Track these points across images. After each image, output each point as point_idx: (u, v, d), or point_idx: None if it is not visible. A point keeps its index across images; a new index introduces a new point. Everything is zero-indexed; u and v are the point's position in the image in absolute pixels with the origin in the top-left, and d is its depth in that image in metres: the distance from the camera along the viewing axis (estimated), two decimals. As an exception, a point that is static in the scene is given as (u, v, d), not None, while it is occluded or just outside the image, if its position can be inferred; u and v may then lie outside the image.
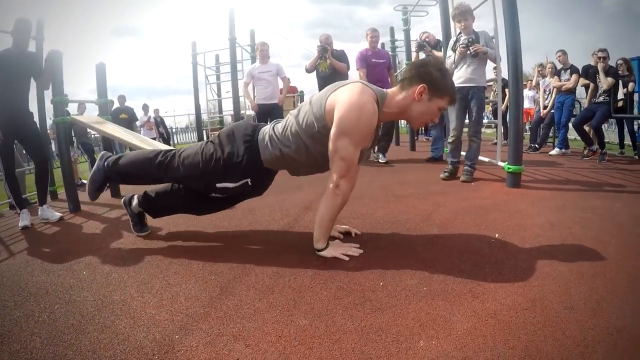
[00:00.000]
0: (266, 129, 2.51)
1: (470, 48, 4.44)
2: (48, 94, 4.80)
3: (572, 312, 1.68)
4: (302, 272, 2.21)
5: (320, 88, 6.95)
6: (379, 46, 7.01)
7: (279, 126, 2.46)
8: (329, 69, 6.58)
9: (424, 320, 1.67)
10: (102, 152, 3.05)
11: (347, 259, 2.33)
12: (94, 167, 2.95)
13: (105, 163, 2.90)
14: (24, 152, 5.07)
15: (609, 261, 2.18)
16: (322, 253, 2.39)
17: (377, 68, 6.56)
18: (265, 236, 2.90)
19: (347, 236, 2.76)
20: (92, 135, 8.56)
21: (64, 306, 2.02)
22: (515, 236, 2.63)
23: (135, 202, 3.04)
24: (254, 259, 2.46)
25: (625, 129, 7.82)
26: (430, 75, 2.25)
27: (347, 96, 2.20)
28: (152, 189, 2.99)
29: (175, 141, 20.93)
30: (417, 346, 1.51)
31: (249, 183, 2.52)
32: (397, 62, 10.74)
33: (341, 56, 6.64)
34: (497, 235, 2.66)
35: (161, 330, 1.70)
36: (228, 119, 14.57)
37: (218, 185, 2.53)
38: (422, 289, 1.95)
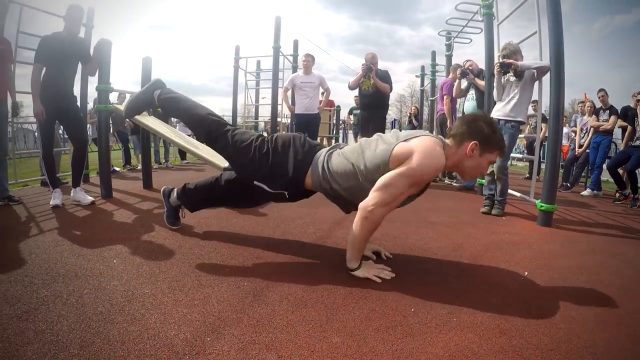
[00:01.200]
0: (320, 156, 2.54)
1: (502, 60, 4.43)
2: (90, 81, 4.92)
3: (595, 358, 1.66)
4: (335, 289, 2.19)
5: (362, 106, 7.01)
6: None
7: (335, 162, 2.47)
8: (372, 88, 6.58)
9: (452, 351, 1.65)
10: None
11: (379, 280, 2.32)
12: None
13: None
14: (60, 132, 5.17)
15: (634, 311, 2.14)
16: (355, 273, 2.38)
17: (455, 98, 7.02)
18: (297, 248, 2.89)
19: (377, 257, 2.74)
20: (128, 125, 8.66)
21: (93, 292, 2.03)
22: (544, 276, 2.59)
23: (174, 195, 3.12)
24: (286, 270, 2.46)
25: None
26: (481, 131, 2.35)
27: (424, 146, 2.24)
28: (192, 182, 3.06)
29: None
30: (446, 377, 1.47)
31: (286, 195, 2.58)
32: (436, 86, 10.70)
33: (385, 76, 6.64)
34: (526, 273, 2.62)
35: (192, 330, 1.69)
36: (262, 125, 14.67)
37: (256, 182, 2.58)
38: (452, 319, 1.93)
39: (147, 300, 1.95)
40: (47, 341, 1.59)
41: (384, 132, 2.78)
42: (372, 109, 6.80)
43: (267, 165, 2.54)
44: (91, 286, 2.10)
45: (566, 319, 1.99)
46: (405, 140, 2.31)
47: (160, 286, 2.13)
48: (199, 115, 2.82)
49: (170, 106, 2.92)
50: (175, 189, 3.13)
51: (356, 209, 2.48)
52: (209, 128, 2.75)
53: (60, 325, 1.70)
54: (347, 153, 2.50)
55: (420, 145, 2.24)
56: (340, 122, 14.67)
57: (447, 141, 2.42)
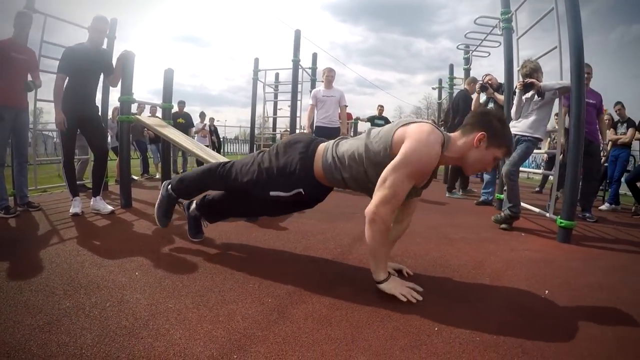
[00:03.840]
0: (328, 146, 2.55)
1: (526, 81, 4.40)
2: (111, 90, 4.98)
3: None
4: (359, 307, 2.16)
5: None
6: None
7: (342, 149, 2.47)
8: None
9: (477, 373, 1.62)
10: (164, 182, 3.17)
11: (404, 299, 2.24)
12: (159, 196, 3.14)
13: (169, 188, 3.07)
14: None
15: (656, 329, 2.12)
16: (382, 286, 2.30)
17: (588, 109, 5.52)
18: (319, 264, 2.87)
19: (399, 275, 2.70)
20: (147, 134, 8.74)
21: (116, 305, 2.02)
22: (565, 295, 2.55)
23: (193, 205, 3.13)
24: (309, 286, 2.43)
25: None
26: (490, 124, 2.30)
27: (417, 133, 2.21)
28: (212, 193, 3.08)
29: (225, 150, 21.29)
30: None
31: (302, 193, 2.57)
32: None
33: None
34: (547, 291, 2.59)
35: (218, 347, 1.68)
36: (278, 137, 14.74)
37: (272, 193, 2.59)
38: (475, 338, 1.90)
39: (171, 315, 1.94)
40: (70, 354, 1.58)
41: None
42: None
43: (273, 172, 2.56)
44: (114, 299, 2.09)
45: (587, 338, 1.97)
46: (404, 125, 2.30)
47: (183, 301, 2.11)
48: (202, 170, 2.94)
49: (182, 188, 3.02)
50: (195, 200, 3.14)
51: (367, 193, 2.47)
52: (220, 177, 2.80)
53: (84, 339, 1.69)
54: (353, 140, 2.52)
55: (414, 132, 2.22)
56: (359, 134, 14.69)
57: (455, 134, 2.40)
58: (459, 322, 2.06)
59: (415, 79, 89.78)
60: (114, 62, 4.50)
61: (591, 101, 5.51)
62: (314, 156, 2.53)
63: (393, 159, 2.22)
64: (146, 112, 8.88)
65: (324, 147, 2.56)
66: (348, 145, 2.48)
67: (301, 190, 2.56)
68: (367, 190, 2.45)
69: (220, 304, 2.10)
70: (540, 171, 10.67)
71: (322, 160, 2.50)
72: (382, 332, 1.91)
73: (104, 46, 4.75)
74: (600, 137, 5.90)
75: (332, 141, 2.60)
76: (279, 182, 2.55)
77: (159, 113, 8.67)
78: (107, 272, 2.47)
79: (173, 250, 3.01)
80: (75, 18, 5.00)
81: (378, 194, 2.21)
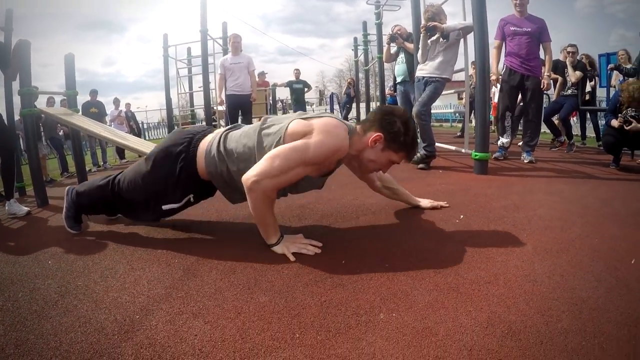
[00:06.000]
0: (213, 141, 2.37)
1: (428, 24, 4.59)
2: (16, 87, 4.75)
3: (536, 284, 1.74)
4: (266, 253, 2.22)
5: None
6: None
7: (232, 142, 2.32)
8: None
9: (384, 295, 1.71)
10: (67, 188, 3.00)
11: (293, 259, 2.12)
12: (65, 205, 2.96)
13: (71, 196, 2.91)
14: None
15: (574, 239, 2.25)
16: (274, 249, 2.23)
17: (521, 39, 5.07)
18: (232, 224, 2.90)
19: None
20: (62, 130, 8.38)
21: (28, 294, 2.01)
22: (480, 217, 2.69)
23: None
24: (219, 244, 2.48)
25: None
26: (392, 126, 2.19)
27: (327, 122, 2.13)
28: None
29: (147, 137, 20.68)
30: (377, 319, 1.55)
31: (192, 200, 2.53)
32: (369, 57, 10.87)
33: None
34: (461, 216, 2.72)
35: (122, 311, 1.71)
36: (200, 112, 14.41)
37: (164, 207, 2.49)
38: (383, 265, 1.99)
39: (79, 292, 1.95)
40: (-18, 346, 1.57)
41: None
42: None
43: (159, 186, 2.45)
44: (26, 289, 2.07)
45: (504, 252, 2.08)
46: (304, 119, 2.20)
47: (92, 277, 2.12)
48: (95, 185, 2.80)
49: (83, 202, 2.88)
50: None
51: (243, 198, 2.36)
52: (108, 188, 2.69)
53: (-4, 331, 1.68)
54: (245, 131, 2.36)
55: (321, 124, 2.12)
56: (278, 100, 14.68)
57: (358, 127, 2.31)
58: (368, 254, 2.15)
59: (336, 42, 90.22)
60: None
61: (525, 29, 5.02)
62: (196, 155, 2.39)
63: None
64: (57, 106, 8.50)
65: (208, 142, 2.39)
66: (239, 138, 2.31)
67: (191, 196, 2.50)
68: None
69: (128, 273, 2.12)
70: (452, 110, 11.08)
71: (205, 156, 2.35)
72: (286, 272, 1.99)
73: (2, 40, 4.51)
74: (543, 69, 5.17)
75: (220, 132, 2.43)
76: (166, 194, 2.44)
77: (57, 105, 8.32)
78: (22, 267, 2.43)
79: (86, 235, 2.96)
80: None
81: (263, 164, 2.06)
